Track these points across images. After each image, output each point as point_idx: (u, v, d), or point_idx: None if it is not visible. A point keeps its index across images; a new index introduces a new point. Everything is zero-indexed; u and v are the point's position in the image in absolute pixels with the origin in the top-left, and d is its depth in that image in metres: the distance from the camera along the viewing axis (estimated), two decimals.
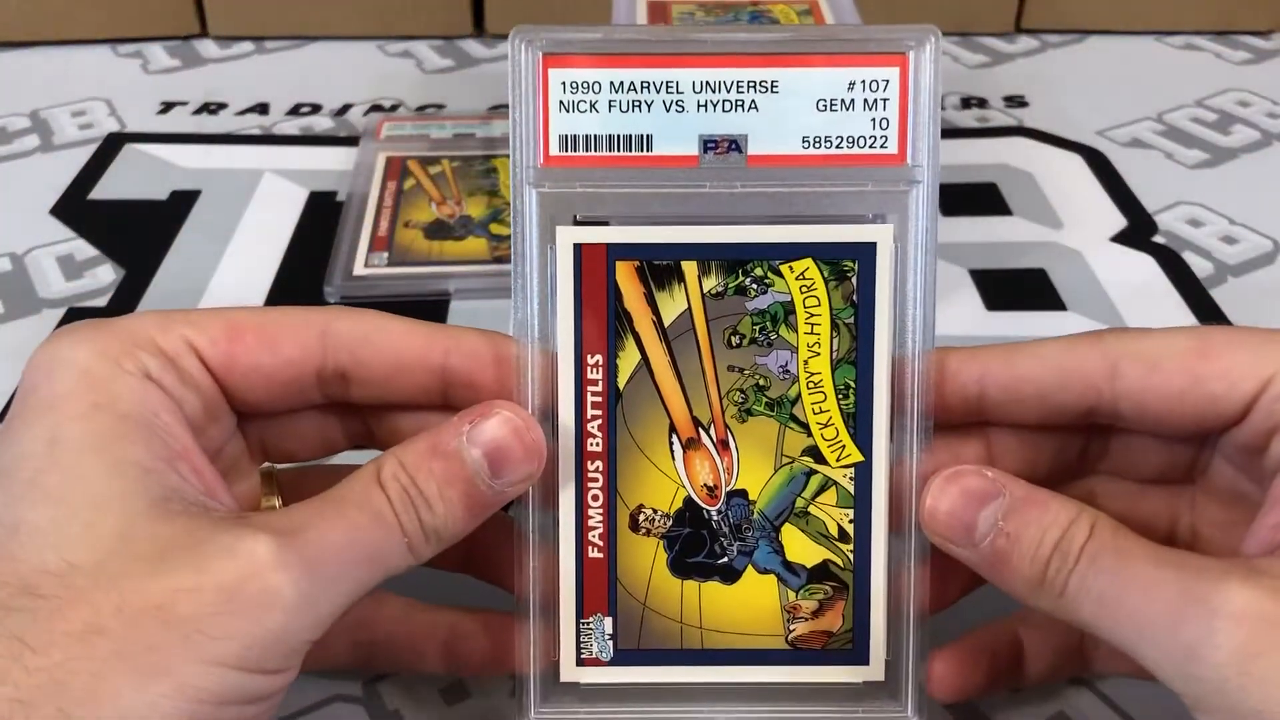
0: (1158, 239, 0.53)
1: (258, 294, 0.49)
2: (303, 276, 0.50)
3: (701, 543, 0.30)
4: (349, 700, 0.33)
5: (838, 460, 0.29)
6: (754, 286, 0.29)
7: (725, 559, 0.30)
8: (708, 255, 0.29)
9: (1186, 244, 0.53)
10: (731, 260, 0.29)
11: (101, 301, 0.49)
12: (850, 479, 0.29)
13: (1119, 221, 0.55)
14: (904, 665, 0.30)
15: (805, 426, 0.29)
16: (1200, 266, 0.51)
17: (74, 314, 0.48)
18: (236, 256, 0.51)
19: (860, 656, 0.30)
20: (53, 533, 0.24)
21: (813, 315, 0.29)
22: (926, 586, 0.29)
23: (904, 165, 0.29)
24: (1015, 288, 0.50)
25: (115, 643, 0.23)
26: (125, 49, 0.69)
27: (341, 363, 0.29)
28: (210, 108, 0.63)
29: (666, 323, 0.29)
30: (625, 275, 0.29)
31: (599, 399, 0.29)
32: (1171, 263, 0.52)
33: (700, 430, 0.29)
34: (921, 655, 0.30)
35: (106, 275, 0.51)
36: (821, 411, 0.29)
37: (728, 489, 0.30)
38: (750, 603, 0.30)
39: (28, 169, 0.58)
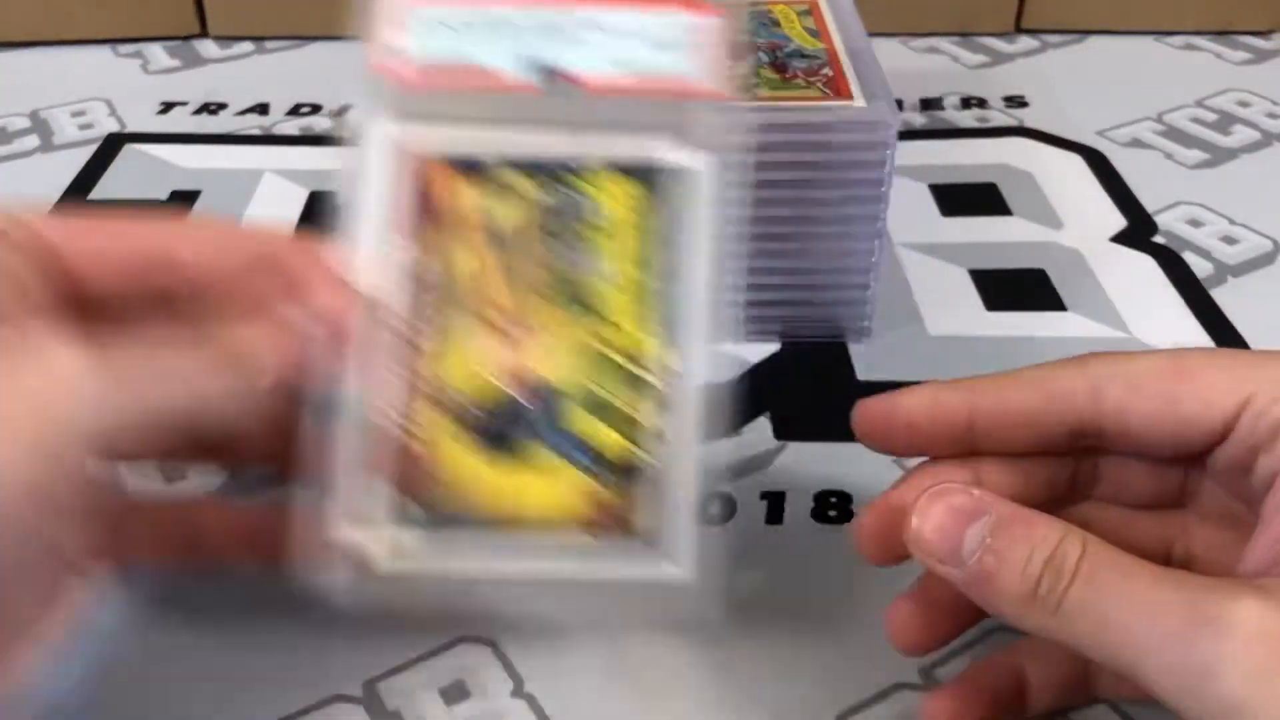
0: (1158, 239, 0.53)
1: None
2: None
3: (506, 430, 0.30)
4: (349, 700, 0.33)
5: (643, 356, 0.30)
6: (570, 194, 0.31)
7: (528, 446, 0.30)
8: (526, 165, 0.31)
9: (1186, 244, 0.53)
10: (551, 168, 0.31)
11: None
12: (656, 377, 0.30)
13: (1119, 221, 0.55)
14: (684, 547, 0.30)
15: (616, 325, 0.30)
16: (1200, 267, 0.51)
17: None
18: None
19: (660, 551, 0.30)
20: None
21: (627, 224, 0.31)
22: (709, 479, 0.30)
23: (716, 99, 0.32)
24: (1015, 288, 0.50)
25: None
26: (125, 49, 0.70)
27: (170, 248, 0.30)
28: (210, 108, 0.63)
29: (480, 220, 0.31)
30: (439, 173, 0.31)
31: (406, 285, 0.30)
32: (1171, 263, 0.52)
33: (510, 321, 0.30)
34: (708, 548, 0.30)
35: None
36: (631, 312, 0.30)
37: (534, 379, 0.30)
38: (552, 491, 0.29)
39: (28, 169, 0.58)
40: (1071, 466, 0.31)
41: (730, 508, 0.39)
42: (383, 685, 0.33)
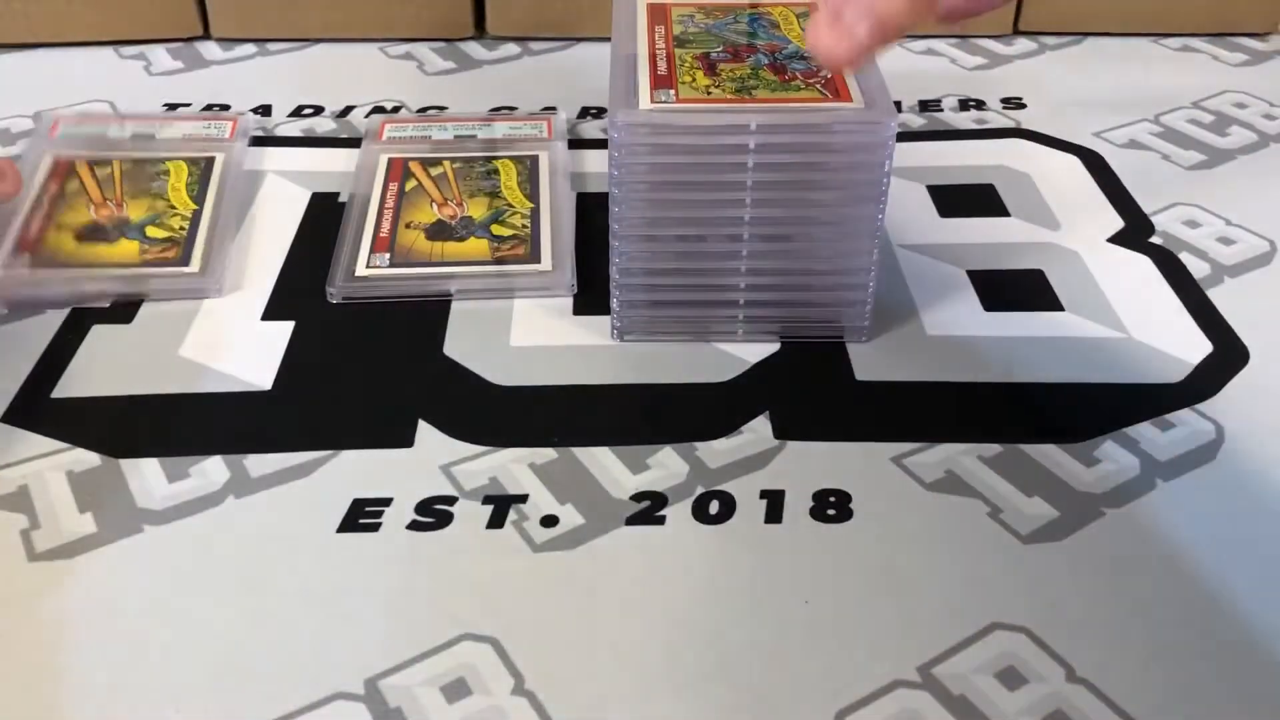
0: (1155, 240, 0.54)
1: (261, 294, 0.50)
2: (305, 277, 0.50)
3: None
4: (350, 698, 0.33)
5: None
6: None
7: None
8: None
9: (1183, 245, 0.53)
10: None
11: (105, 301, 0.49)
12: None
13: (1116, 222, 0.55)
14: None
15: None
16: (1197, 267, 0.52)
17: (78, 313, 0.48)
18: (239, 257, 0.52)
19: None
20: None
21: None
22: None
23: None
24: (1013, 288, 0.50)
25: None
26: (128, 51, 0.70)
27: None
28: (213, 109, 0.64)
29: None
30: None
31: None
32: (1168, 263, 0.52)
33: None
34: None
35: None
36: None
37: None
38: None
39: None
40: None
41: (730, 507, 0.39)
42: (384, 683, 0.34)
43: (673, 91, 0.43)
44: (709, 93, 0.43)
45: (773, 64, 0.45)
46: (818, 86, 0.44)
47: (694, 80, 0.44)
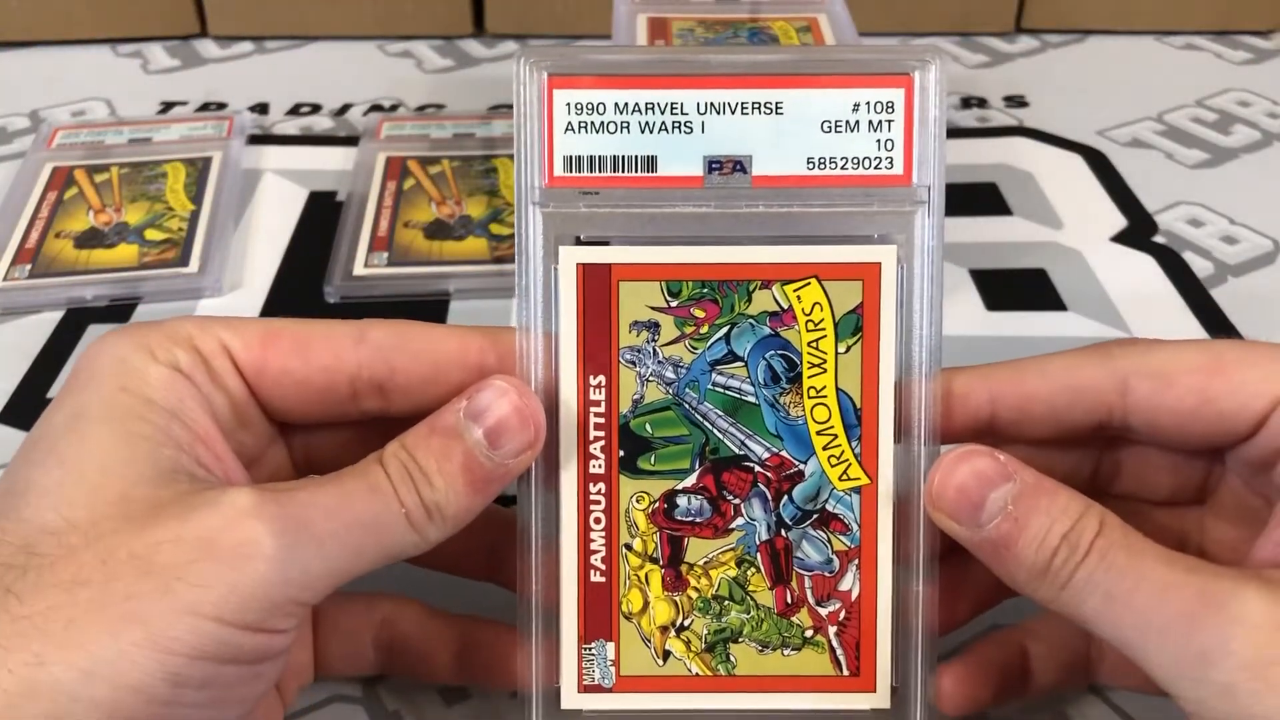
0: (1158, 239, 0.53)
1: (258, 293, 0.49)
2: (303, 276, 0.50)
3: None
4: (349, 700, 0.33)
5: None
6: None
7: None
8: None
9: (1187, 244, 0.53)
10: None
11: (102, 300, 0.48)
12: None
13: (1119, 221, 0.55)
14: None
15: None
16: (1200, 266, 0.51)
17: (74, 313, 0.48)
18: (237, 256, 0.51)
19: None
20: (57, 493, 0.25)
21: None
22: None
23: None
24: (1015, 288, 0.50)
25: (95, 592, 0.23)
26: (125, 49, 0.69)
27: (377, 372, 0.29)
28: (210, 108, 0.63)
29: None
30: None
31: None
32: (1171, 263, 0.52)
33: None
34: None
35: None
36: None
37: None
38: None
39: None
40: (1094, 458, 0.31)
41: None
42: (382, 686, 0.33)
43: None
44: None
45: None
46: None
47: None
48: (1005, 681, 0.31)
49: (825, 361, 0.29)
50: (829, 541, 0.29)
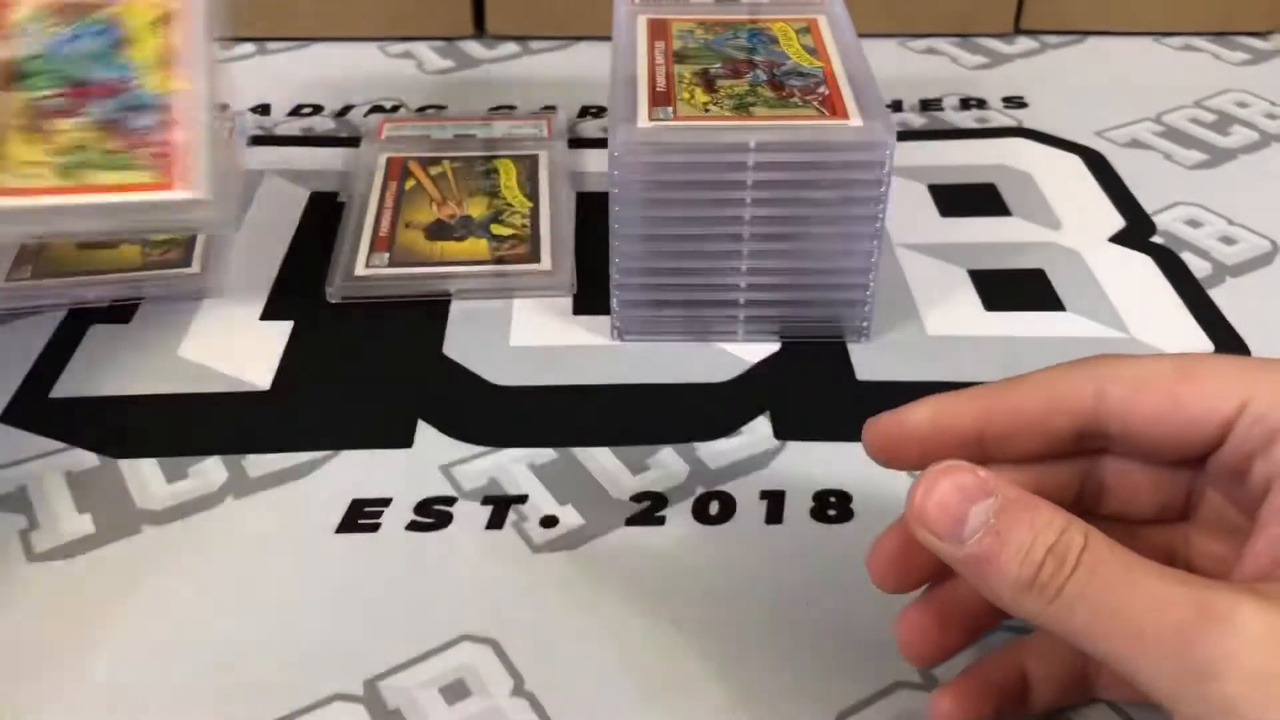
0: (1156, 239, 0.54)
1: (259, 294, 0.49)
2: (304, 277, 0.50)
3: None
4: (349, 699, 0.33)
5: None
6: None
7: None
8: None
9: (1185, 244, 0.53)
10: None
11: (104, 301, 0.49)
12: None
13: (1117, 222, 0.55)
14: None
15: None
16: (1198, 267, 0.52)
17: (76, 313, 0.48)
18: (238, 257, 0.52)
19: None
20: None
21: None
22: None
23: None
24: (1014, 288, 0.50)
25: None
26: None
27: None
28: None
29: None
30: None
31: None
32: (1170, 263, 0.52)
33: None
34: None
35: None
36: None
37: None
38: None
39: None
40: (1079, 478, 0.31)
41: (730, 507, 0.39)
42: (383, 684, 0.34)
43: (671, 109, 0.43)
44: (707, 110, 0.43)
45: (771, 80, 0.45)
46: (815, 104, 0.44)
47: (692, 97, 0.44)
48: (1003, 700, 0.31)
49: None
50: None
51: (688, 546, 0.38)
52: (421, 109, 0.64)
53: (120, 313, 0.48)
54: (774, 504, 0.39)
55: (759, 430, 0.42)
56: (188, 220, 0.41)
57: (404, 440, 0.42)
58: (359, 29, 0.71)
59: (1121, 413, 0.29)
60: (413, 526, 0.39)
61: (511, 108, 0.64)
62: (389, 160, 0.57)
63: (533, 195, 0.54)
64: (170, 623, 0.35)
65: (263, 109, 0.64)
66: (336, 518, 0.39)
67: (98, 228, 0.42)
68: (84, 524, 0.39)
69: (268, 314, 0.48)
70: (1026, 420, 0.30)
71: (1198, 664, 0.24)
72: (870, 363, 0.46)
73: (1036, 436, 0.30)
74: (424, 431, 0.42)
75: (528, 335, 0.47)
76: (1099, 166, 0.59)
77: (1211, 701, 0.24)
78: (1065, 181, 0.58)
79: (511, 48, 0.71)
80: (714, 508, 0.39)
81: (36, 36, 0.42)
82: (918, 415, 0.30)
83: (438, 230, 0.52)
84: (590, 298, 0.49)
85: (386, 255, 0.50)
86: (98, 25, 0.43)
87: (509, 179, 0.55)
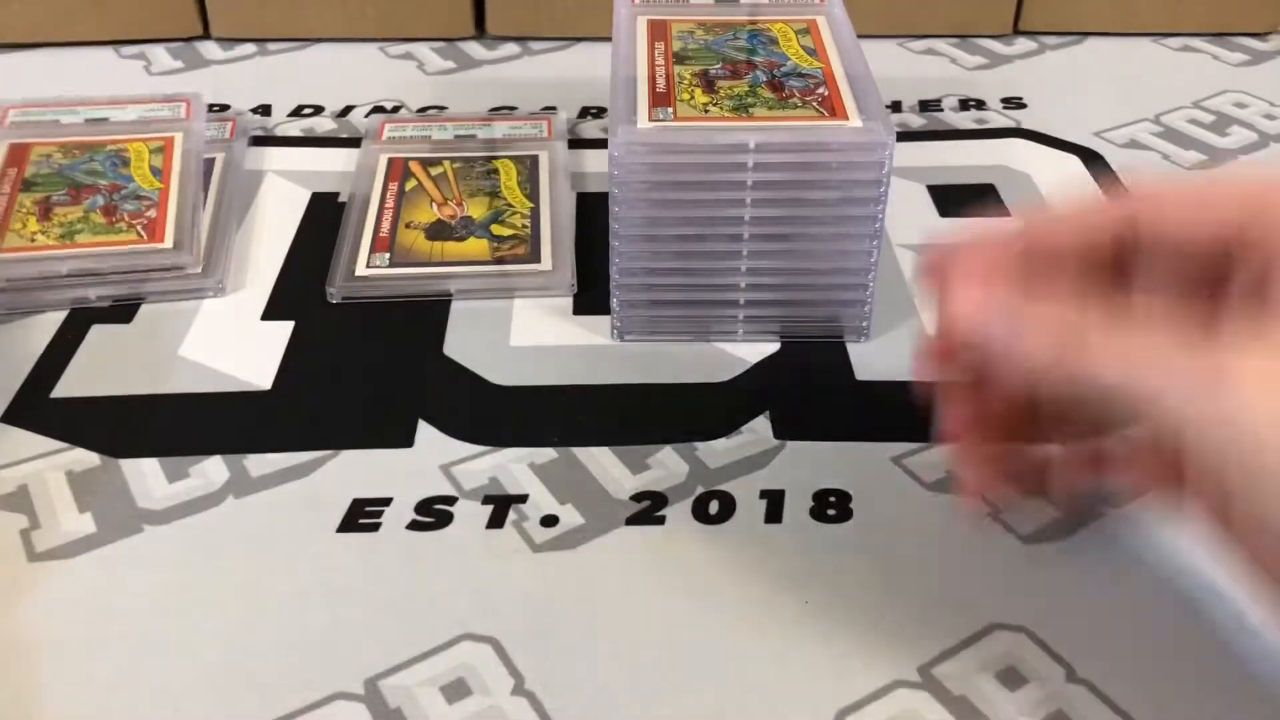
0: None
1: (260, 294, 0.50)
2: (305, 277, 0.50)
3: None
4: (350, 698, 0.33)
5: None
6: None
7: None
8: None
9: None
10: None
11: (105, 301, 0.49)
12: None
13: None
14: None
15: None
16: None
17: (77, 313, 0.48)
18: (239, 257, 0.52)
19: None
20: None
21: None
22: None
23: None
24: None
25: None
26: (128, 50, 0.70)
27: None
28: (213, 109, 0.64)
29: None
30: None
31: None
32: None
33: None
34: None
35: None
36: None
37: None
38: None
39: None
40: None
41: (730, 507, 0.39)
42: (384, 683, 0.34)
43: (671, 110, 0.43)
44: (707, 111, 0.43)
45: (770, 81, 0.45)
46: (814, 104, 0.44)
47: (692, 98, 0.44)
48: (1023, 480, 0.36)
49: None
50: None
51: (688, 546, 0.38)
52: (422, 109, 0.64)
53: (121, 313, 0.48)
54: (773, 503, 0.39)
55: (759, 430, 0.43)
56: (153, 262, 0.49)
57: (405, 440, 0.42)
58: (360, 30, 0.71)
59: (1155, 207, 0.31)
60: (413, 526, 0.39)
61: (512, 108, 0.64)
62: (390, 160, 0.57)
63: (533, 195, 0.54)
64: (171, 622, 0.35)
65: (263, 109, 0.64)
66: (337, 517, 0.39)
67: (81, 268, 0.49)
68: (85, 523, 0.39)
69: (268, 314, 0.49)
70: (1068, 238, 0.32)
71: (1212, 370, 0.26)
72: (870, 362, 0.46)
73: (1078, 230, 0.32)
74: (424, 431, 0.43)
75: (528, 335, 0.47)
76: (1098, 167, 0.59)
77: (1241, 430, 0.25)
78: (1064, 182, 0.58)
79: (512, 48, 0.71)
80: (714, 507, 0.39)
81: (53, 162, 0.54)
82: (965, 254, 0.33)
83: (438, 230, 0.52)
84: (590, 298, 0.49)
85: (387, 255, 0.50)
86: (105, 154, 0.54)
87: (509, 179, 0.55)
